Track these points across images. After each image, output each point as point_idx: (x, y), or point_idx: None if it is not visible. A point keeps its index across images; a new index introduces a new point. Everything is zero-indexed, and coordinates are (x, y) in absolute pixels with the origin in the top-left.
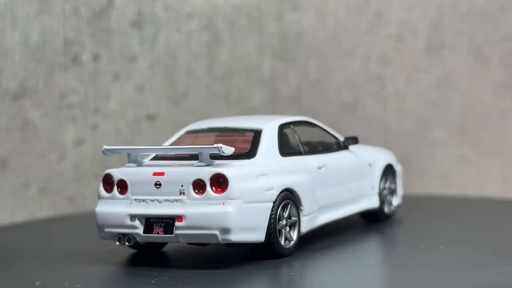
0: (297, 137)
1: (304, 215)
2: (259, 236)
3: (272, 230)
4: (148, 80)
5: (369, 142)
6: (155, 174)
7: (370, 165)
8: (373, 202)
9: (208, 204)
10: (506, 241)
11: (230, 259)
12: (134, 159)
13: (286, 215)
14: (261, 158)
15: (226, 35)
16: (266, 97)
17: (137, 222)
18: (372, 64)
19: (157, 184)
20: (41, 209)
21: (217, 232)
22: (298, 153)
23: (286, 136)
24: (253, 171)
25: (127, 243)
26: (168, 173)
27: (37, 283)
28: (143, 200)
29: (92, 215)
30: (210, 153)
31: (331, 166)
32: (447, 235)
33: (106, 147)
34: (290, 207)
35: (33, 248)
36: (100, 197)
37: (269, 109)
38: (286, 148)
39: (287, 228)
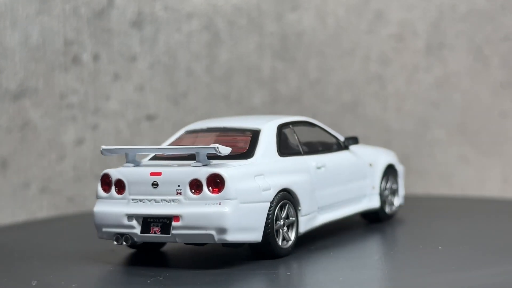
0: (296, 137)
1: (302, 215)
2: (256, 236)
3: (270, 230)
4: (148, 80)
5: (369, 142)
6: (152, 174)
7: (370, 165)
8: (373, 202)
9: (205, 204)
10: (506, 241)
11: (228, 259)
12: (132, 159)
13: (284, 215)
14: (259, 158)
15: (226, 35)
16: (266, 97)
17: (134, 222)
18: (372, 64)
19: (154, 184)
20: (41, 209)
21: (213, 232)
22: (297, 153)
23: (285, 136)
24: (250, 171)
25: (124, 243)
26: (165, 173)
27: (34, 283)
28: (140, 200)
29: (92, 215)
30: (207, 153)
31: (331, 166)
32: (447, 235)
33: (104, 147)
34: (288, 207)
35: (33, 247)
36: (98, 197)
37: (269, 109)
38: (285, 148)
39: (285, 228)
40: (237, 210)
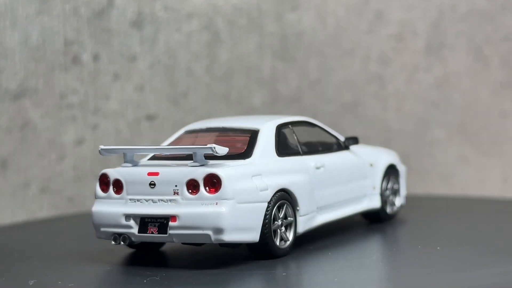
0: (295, 137)
1: (300, 215)
2: (253, 236)
3: (267, 231)
4: (148, 80)
5: (369, 142)
6: (149, 174)
7: (371, 165)
8: (374, 203)
9: (202, 204)
10: (506, 241)
11: (226, 259)
12: (130, 159)
13: (281, 215)
14: (257, 158)
15: (226, 35)
16: (266, 97)
17: (132, 222)
18: (372, 64)
19: (152, 184)
20: (41, 209)
21: (210, 232)
22: (296, 153)
23: (284, 136)
24: (248, 171)
25: (122, 243)
26: (162, 173)
27: (31, 282)
28: (138, 200)
29: (91, 215)
30: (205, 153)
31: (330, 166)
32: (447, 235)
33: (102, 147)
34: (286, 207)
35: (32, 247)
36: (96, 197)
37: (269, 109)
38: (284, 148)
39: (283, 229)
40: (233, 210)
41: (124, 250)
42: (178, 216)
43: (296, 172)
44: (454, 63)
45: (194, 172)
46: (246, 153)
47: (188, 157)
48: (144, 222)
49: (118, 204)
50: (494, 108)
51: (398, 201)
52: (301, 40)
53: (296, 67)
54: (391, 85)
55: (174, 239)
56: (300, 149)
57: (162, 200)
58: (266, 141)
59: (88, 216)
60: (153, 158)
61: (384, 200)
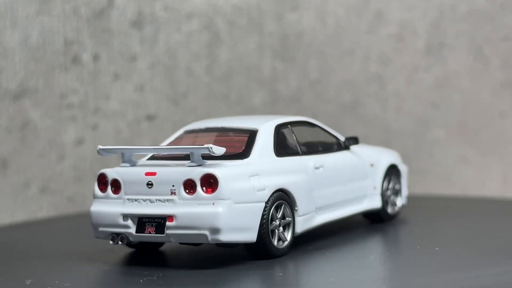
0: (294, 138)
1: (299, 216)
2: (250, 236)
3: (264, 231)
4: (148, 80)
5: (369, 142)
6: (147, 174)
7: (372, 165)
8: (375, 203)
9: (198, 204)
10: (506, 241)
11: (224, 259)
12: (128, 159)
13: (279, 215)
14: (255, 158)
15: (226, 35)
16: (266, 97)
17: (129, 222)
18: (372, 64)
19: (149, 184)
20: (41, 209)
21: (206, 232)
22: (294, 153)
23: (283, 136)
24: (245, 171)
25: (120, 242)
26: (159, 173)
27: (28, 282)
28: (135, 200)
29: (89, 214)
30: (202, 153)
31: (329, 166)
32: (447, 235)
33: (100, 146)
34: (284, 208)
35: (32, 247)
36: (95, 197)
37: (269, 109)
38: (282, 148)
39: (281, 229)
40: (230, 210)
41: (124, 250)
42: (175, 216)
43: (294, 172)
44: (454, 63)
45: (191, 172)
46: (244, 153)
47: (187, 157)
48: (142, 222)
49: (116, 204)
50: (494, 108)
51: (400, 201)
52: (301, 40)
53: (296, 67)
54: (391, 85)
55: (171, 239)
56: (299, 149)
57: (159, 200)
58: (264, 141)
59: (88, 216)
60: (152, 158)
61: (385, 200)
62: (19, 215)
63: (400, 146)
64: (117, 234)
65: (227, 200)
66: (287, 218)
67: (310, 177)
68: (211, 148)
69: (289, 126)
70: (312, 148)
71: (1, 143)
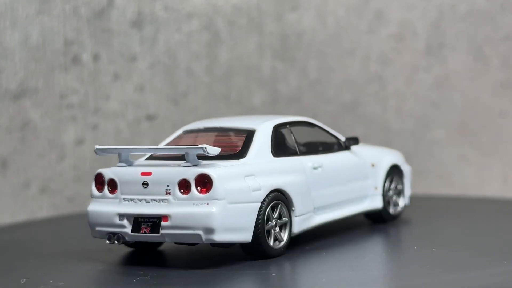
0: (293, 138)
1: (296, 216)
2: (245, 236)
3: (260, 231)
4: (148, 80)
5: (369, 142)
6: (142, 174)
7: (373, 165)
8: (376, 203)
9: (193, 204)
10: (506, 241)
11: (221, 259)
12: (125, 159)
13: (276, 215)
14: (251, 158)
15: (226, 35)
16: (266, 97)
17: (125, 221)
18: (372, 64)
19: (145, 184)
20: (41, 209)
21: (201, 232)
22: (293, 153)
23: (282, 136)
24: (241, 171)
25: (116, 242)
26: (155, 173)
27: (22, 281)
28: (131, 200)
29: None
30: (198, 154)
31: (328, 166)
32: (447, 235)
33: (97, 146)
34: (281, 208)
35: (31, 247)
36: (92, 196)
37: (269, 109)
38: (280, 148)
39: (277, 229)
40: (224, 210)
41: (123, 250)
42: (169, 216)
43: (291, 172)
44: (454, 63)
45: (185, 172)
46: (240, 153)
47: (184, 157)
48: (137, 221)
49: (113, 204)
50: (494, 108)
51: (402, 201)
52: (301, 40)
53: (296, 67)
54: (391, 85)
55: (166, 239)
56: (297, 149)
57: (154, 200)
58: (262, 141)
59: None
60: (150, 158)
61: (387, 201)
62: (19, 215)
63: (400, 146)
64: (114, 233)
65: (221, 200)
66: (283, 218)
67: (308, 177)
68: (205, 148)
69: (288, 126)
70: (311, 148)
71: (1, 143)
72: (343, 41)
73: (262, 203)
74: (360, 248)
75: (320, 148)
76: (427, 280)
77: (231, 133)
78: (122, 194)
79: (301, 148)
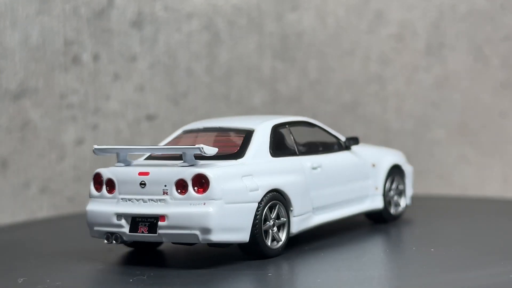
0: (292, 138)
1: (294, 216)
2: (243, 236)
3: (257, 231)
4: (148, 80)
5: (369, 142)
6: (140, 174)
7: (373, 165)
8: (376, 203)
9: (190, 204)
10: (506, 241)
11: (220, 259)
12: (123, 159)
13: (273, 215)
14: (249, 158)
15: (226, 35)
16: (266, 97)
17: (123, 221)
18: (372, 64)
19: (142, 184)
20: (41, 209)
21: (197, 232)
22: (292, 153)
23: (281, 136)
24: (238, 171)
25: (114, 242)
26: (152, 173)
27: (20, 280)
28: (129, 200)
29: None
30: (195, 154)
31: (328, 166)
32: (446, 235)
33: (96, 146)
34: (279, 208)
35: (31, 247)
36: (90, 196)
37: (269, 109)
38: (279, 148)
39: (275, 229)
40: (221, 210)
41: (122, 250)
42: (167, 216)
43: (290, 172)
44: (454, 63)
45: (183, 172)
46: (238, 153)
47: (182, 157)
48: (135, 221)
49: (110, 204)
50: (494, 108)
51: (403, 201)
52: (301, 40)
53: (296, 67)
54: (391, 85)
55: (163, 239)
56: (296, 150)
57: (152, 199)
58: (260, 142)
59: None
60: (149, 158)
61: (388, 201)
62: (19, 215)
63: (400, 146)
64: (112, 233)
65: (218, 200)
66: (281, 218)
67: (306, 177)
68: (202, 148)
69: (287, 126)
70: (311, 148)
71: (1, 143)
72: (343, 41)
73: (259, 203)
74: (360, 248)
75: (320, 148)
76: (427, 280)
77: (231, 133)
78: (120, 194)
79: (300, 148)
